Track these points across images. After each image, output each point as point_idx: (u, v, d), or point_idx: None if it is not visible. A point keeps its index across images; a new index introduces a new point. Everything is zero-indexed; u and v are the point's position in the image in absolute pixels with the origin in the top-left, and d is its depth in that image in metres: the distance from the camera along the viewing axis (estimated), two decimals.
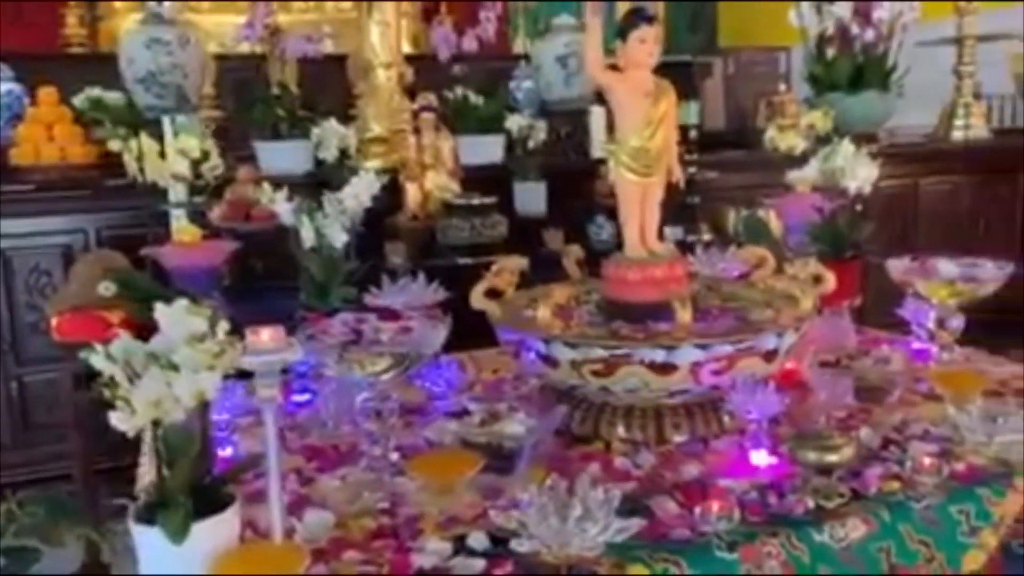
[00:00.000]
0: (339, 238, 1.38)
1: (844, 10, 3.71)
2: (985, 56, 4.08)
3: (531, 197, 3.03)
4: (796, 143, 2.76)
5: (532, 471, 1.24)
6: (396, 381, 1.26)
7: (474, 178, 3.08)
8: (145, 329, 2.23)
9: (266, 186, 1.43)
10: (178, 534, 0.91)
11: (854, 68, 3.78)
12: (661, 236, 1.55)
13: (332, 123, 2.68)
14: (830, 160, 1.79)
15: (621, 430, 1.40)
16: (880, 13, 3.71)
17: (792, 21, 3.91)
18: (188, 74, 2.97)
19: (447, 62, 3.33)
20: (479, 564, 1.03)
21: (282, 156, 2.99)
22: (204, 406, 0.95)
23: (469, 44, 3.33)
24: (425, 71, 3.48)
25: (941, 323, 1.54)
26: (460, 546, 1.08)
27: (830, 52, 3.86)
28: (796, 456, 1.21)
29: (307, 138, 3.03)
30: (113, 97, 3.35)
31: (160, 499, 0.94)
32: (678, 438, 1.39)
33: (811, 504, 1.16)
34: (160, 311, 0.96)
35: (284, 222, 1.42)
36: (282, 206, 1.41)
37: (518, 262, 1.60)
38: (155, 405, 0.90)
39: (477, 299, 1.51)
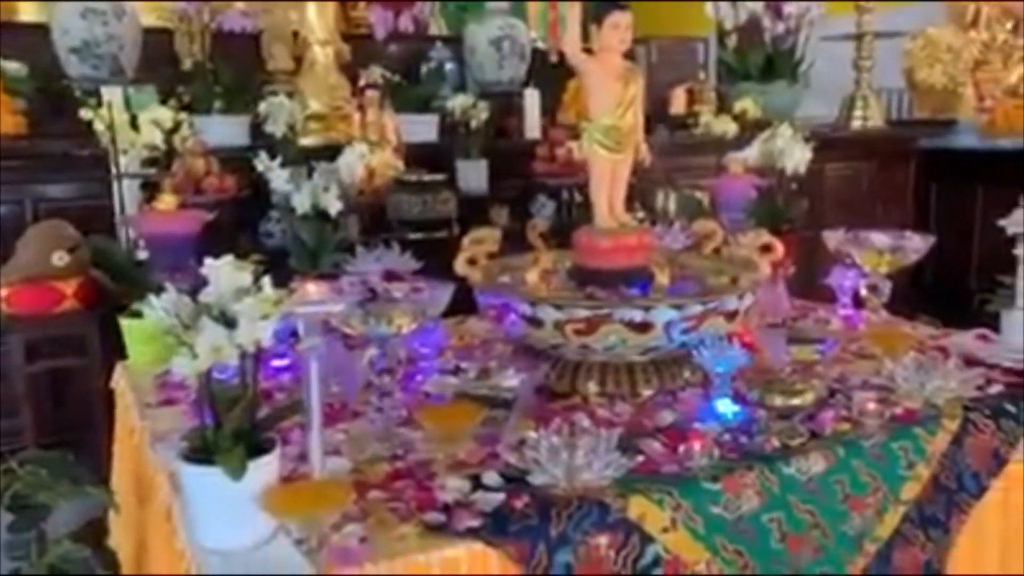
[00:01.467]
0: (334, 206, 1.45)
1: (757, 3, 3.95)
2: (879, 52, 4.38)
3: (473, 175, 3.12)
4: (730, 128, 2.94)
5: (522, 421, 1.36)
6: (398, 341, 1.35)
7: (413, 155, 3.15)
8: (102, 298, 2.23)
9: (263, 155, 1.49)
10: (237, 472, 0.98)
11: (765, 59, 4.03)
12: None
13: (282, 98, 2.71)
14: (770, 142, 1.96)
15: (597, 385, 1.53)
16: (789, 8, 3.97)
17: (708, 13, 4.12)
18: (124, 45, 2.93)
19: (383, 41, 3.37)
20: (499, 497, 1.14)
21: (219, 130, 2.98)
22: (255, 357, 1.02)
23: (405, 24, 3.39)
24: (355, 50, 3.51)
25: (873, 289, 1.73)
26: (476, 484, 1.18)
27: (735, 41, 4.09)
28: (764, 400, 1.36)
29: (244, 113, 3.04)
30: (13, 67, 3.23)
31: (213, 442, 1.01)
32: (648, 391, 1.53)
33: (777, 443, 1.31)
34: (209, 266, 1.02)
35: (279, 189, 1.47)
36: (276, 173, 1.47)
37: (494, 233, 1.70)
38: (216, 350, 0.97)
39: (461, 266, 1.60)
